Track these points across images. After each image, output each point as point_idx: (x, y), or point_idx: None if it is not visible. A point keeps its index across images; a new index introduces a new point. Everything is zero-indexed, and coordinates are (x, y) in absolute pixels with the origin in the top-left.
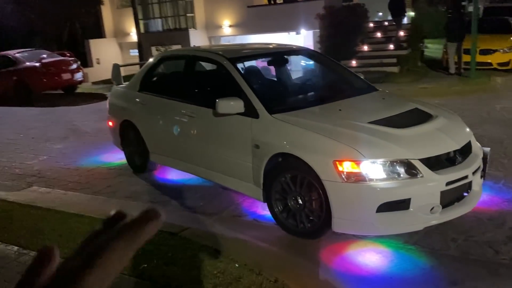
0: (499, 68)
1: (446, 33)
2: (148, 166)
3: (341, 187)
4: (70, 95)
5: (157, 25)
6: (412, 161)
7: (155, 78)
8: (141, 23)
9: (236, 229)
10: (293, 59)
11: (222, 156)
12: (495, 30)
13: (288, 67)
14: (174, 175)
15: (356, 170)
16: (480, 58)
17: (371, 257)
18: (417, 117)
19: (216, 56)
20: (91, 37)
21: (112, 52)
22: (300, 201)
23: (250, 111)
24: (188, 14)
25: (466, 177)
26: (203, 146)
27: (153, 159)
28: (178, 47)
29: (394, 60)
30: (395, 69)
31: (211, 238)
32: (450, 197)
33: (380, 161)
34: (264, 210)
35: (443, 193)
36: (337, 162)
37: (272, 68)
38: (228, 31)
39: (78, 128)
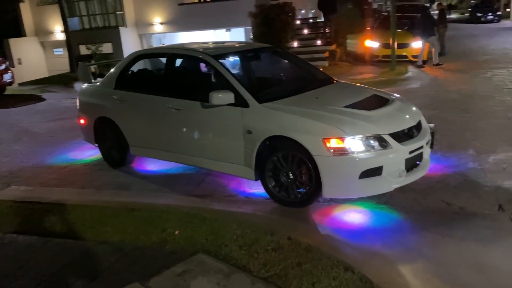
0: (413, 59)
1: (427, 31)
2: (127, 160)
3: (329, 160)
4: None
5: (84, 23)
6: (383, 136)
7: (132, 76)
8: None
9: (233, 206)
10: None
11: (213, 143)
12: (408, 26)
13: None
14: (153, 166)
15: (341, 145)
16: (397, 52)
17: (354, 216)
18: (378, 101)
19: (200, 54)
20: (9, 36)
21: (34, 51)
22: (291, 176)
23: (240, 102)
24: (117, 12)
25: (422, 147)
26: (192, 136)
27: (134, 152)
28: (109, 45)
29: (323, 55)
30: (325, 63)
31: (217, 213)
32: (410, 164)
33: (358, 137)
34: (251, 189)
35: (407, 160)
36: (325, 140)
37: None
38: (159, 28)
39: (28, 129)
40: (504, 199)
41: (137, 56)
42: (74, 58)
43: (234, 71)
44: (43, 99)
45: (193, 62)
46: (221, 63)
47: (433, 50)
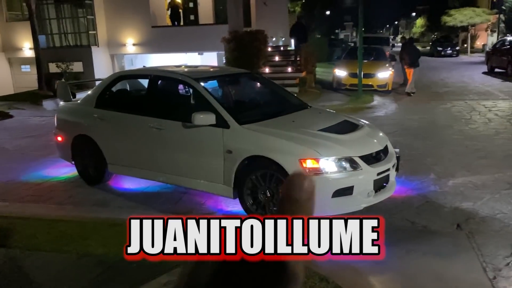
0: (379, 89)
1: (412, 61)
2: (104, 177)
3: None
4: None
5: (55, 41)
6: (354, 158)
7: (113, 95)
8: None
9: None
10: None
11: (193, 162)
12: (374, 57)
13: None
14: (130, 184)
15: (316, 165)
16: (364, 81)
17: None
18: (349, 126)
19: (182, 77)
20: None
21: (1, 67)
22: (269, 194)
23: (220, 123)
24: (90, 32)
25: (388, 169)
26: (172, 155)
27: (112, 170)
28: (80, 64)
29: (294, 82)
30: (295, 90)
31: None
32: (378, 185)
33: (332, 158)
34: (228, 207)
35: (375, 182)
36: (302, 160)
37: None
38: (131, 49)
39: None
40: (461, 219)
41: (119, 77)
42: (44, 76)
43: (215, 94)
44: (11, 116)
45: (175, 84)
46: (203, 86)
47: (411, 79)
